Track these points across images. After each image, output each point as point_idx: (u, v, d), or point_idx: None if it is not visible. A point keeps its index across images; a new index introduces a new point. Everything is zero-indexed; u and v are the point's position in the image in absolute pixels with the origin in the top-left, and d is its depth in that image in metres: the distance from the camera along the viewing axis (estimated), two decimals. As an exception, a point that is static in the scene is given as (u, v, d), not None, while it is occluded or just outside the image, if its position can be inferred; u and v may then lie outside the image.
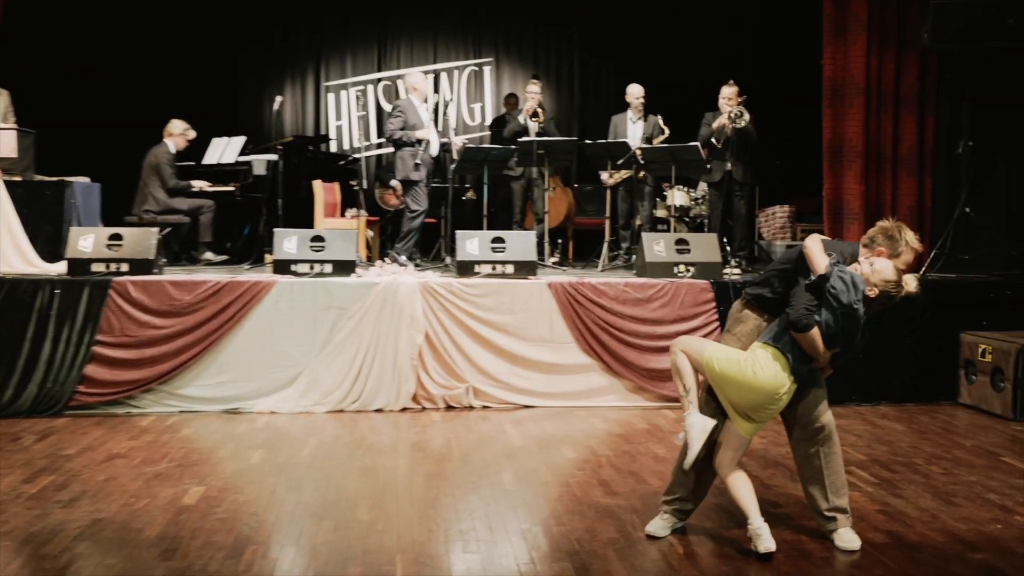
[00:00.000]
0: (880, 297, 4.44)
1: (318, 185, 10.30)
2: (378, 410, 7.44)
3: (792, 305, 4.44)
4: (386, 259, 9.23)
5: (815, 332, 4.40)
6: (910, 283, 4.45)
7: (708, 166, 9.41)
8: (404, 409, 7.47)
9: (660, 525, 4.74)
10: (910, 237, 4.56)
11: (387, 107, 13.23)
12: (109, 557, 4.32)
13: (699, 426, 4.51)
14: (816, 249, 4.47)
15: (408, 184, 9.34)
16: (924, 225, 9.62)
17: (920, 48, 9.25)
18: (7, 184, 8.14)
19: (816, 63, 9.60)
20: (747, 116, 9.25)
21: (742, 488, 4.52)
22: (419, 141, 9.29)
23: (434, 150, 9.51)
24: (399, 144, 9.35)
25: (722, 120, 9.40)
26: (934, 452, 6.41)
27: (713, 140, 9.49)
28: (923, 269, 8.68)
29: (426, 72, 12.28)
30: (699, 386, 4.63)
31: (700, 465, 4.60)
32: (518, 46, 13.56)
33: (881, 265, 4.45)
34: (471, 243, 8.05)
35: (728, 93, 9.54)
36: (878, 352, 7.80)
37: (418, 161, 9.23)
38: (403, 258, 9.15)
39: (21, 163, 8.45)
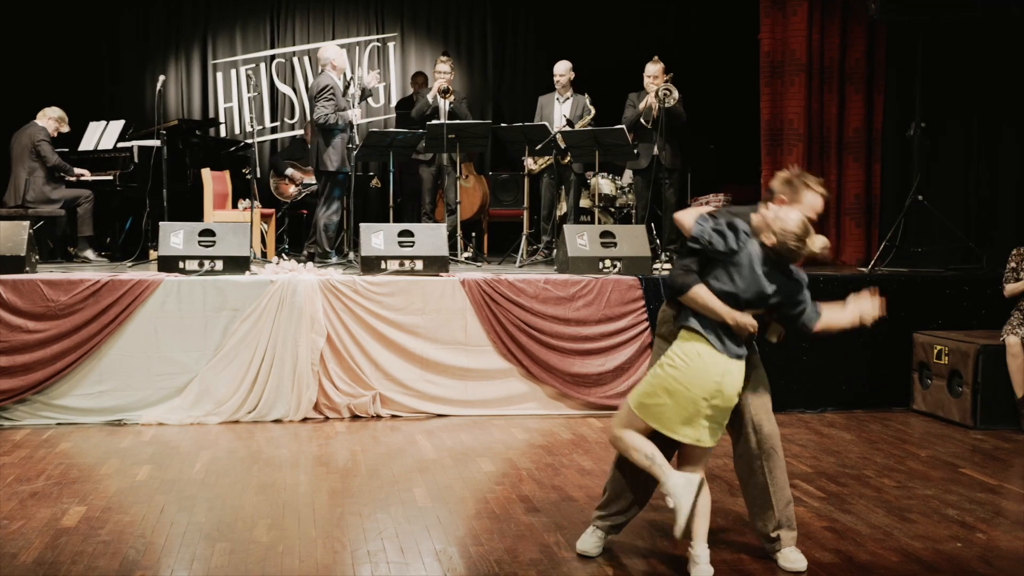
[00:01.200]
0: (781, 248, 4.36)
1: (207, 174, 10.22)
2: (277, 420, 7.45)
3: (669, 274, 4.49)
4: (313, 261, 9.15)
5: (697, 290, 4.36)
6: (815, 243, 4.41)
7: (635, 151, 9.46)
8: (305, 419, 7.49)
9: (592, 542, 4.75)
10: (812, 181, 4.66)
11: (282, 87, 13.18)
12: (-19, 586, 4.30)
13: (682, 485, 4.35)
14: (686, 215, 4.51)
15: (336, 176, 9.30)
16: (873, 215, 9.76)
17: (867, 20, 9.33)
18: None
19: (752, 37, 9.69)
20: (676, 95, 9.28)
21: (700, 507, 4.43)
22: (352, 124, 9.29)
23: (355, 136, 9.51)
24: (330, 130, 9.22)
25: (649, 100, 9.46)
26: (886, 463, 6.51)
27: (642, 120, 9.55)
28: (872, 263, 8.82)
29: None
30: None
31: (642, 473, 4.56)
32: (426, 20, 13.55)
33: (784, 213, 4.41)
34: (376, 237, 8.06)
35: (653, 71, 9.57)
36: (823, 354, 7.96)
37: (350, 147, 9.22)
38: (336, 257, 9.20)
39: None
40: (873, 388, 8.15)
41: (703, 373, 4.36)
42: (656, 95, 9.32)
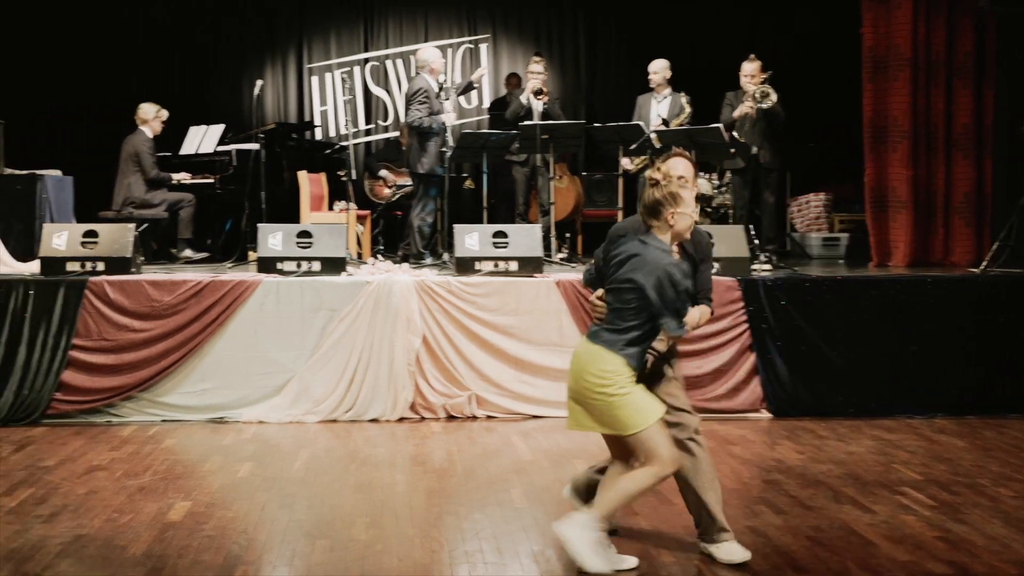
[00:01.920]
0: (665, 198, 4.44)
1: (303, 176, 10.40)
2: (373, 420, 7.55)
3: None
4: (408, 262, 9.26)
5: None
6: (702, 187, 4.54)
7: (731, 150, 9.38)
8: (401, 419, 7.58)
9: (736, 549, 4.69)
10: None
11: (376, 90, 13.34)
12: (93, 575, 4.45)
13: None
14: None
15: (430, 178, 9.42)
16: (984, 214, 9.49)
17: (976, 11, 9.12)
18: None
19: (854, 31, 9.54)
20: (773, 96, 9.21)
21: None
22: (445, 127, 9.39)
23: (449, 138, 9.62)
24: (423, 133, 9.36)
25: (744, 109, 9.37)
26: (1003, 472, 6.28)
27: (735, 132, 9.45)
28: (984, 264, 8.63)
29: (417, 51, 12.40)
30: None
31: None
32: (517, 21, 13.60)
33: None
34: (470, 238, 8.11)
35: (750, 69, 9.50)
36: (933, 358, 7.81)
37: (444, 150, 9.32)
38: (430, 258, 9.30)
39: (-10, 156, 8.59)
40: (986, 393, 7.88)
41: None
42: (753, 96, 9.25)
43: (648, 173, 4.59)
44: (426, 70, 9.58)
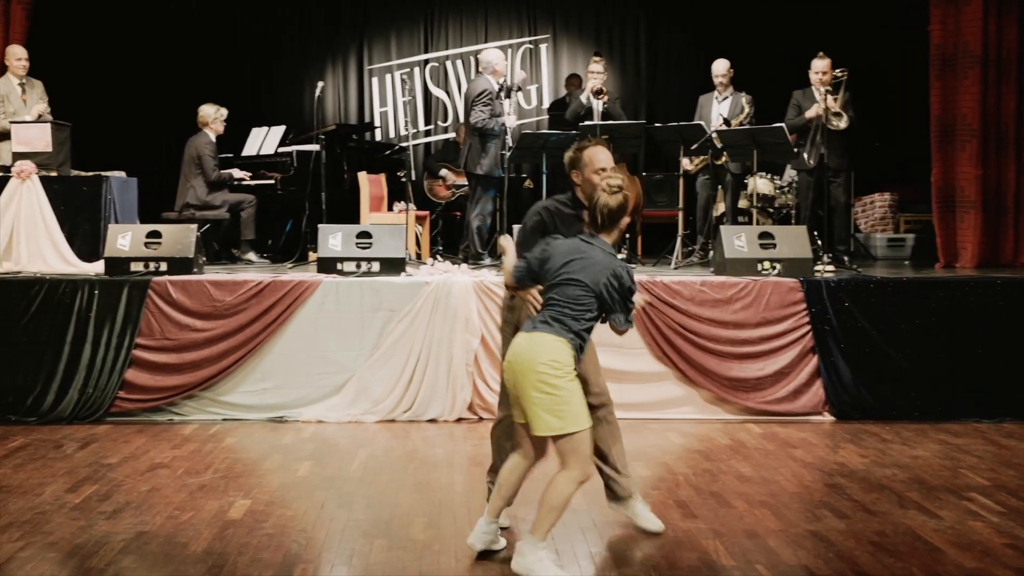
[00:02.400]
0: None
1: (363, 177, 10.48)
2: (432, 420, 7.60)
3: None
4: (467, 262, 9.32)
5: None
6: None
7: (795, 150, 9.31)
8: (460, 419, 7.62)
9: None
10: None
11: (436, 91, 13.41)
12: (155, 572, 4.51)
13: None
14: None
15: (488, 180, 9.47)
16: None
17: None
18: (43, 180, 8.50)
19: (921, 28, 9.43)
20: (846, 118, 9.06)
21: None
22: (507, 129, 9.44)
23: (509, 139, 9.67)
24: (485, 134, 9.43)
25: (817, 109, 9.22)
26: None
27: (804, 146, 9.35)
28: None
29: (477, 53, 12.47)
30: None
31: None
32: (578, 20, 13.59)
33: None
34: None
35: (820, 67, 9.34)
36: (1001, 360, 7.70)
37: (504, 153, 9.37)
38: (489, 258, 9.35)
39: (57, 158, 8.76)
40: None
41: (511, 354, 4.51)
42: (826, 116, 9.06)
43: (608, 182, 4.54)
44: (489, 71, 9.66)
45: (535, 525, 4.45)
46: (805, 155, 9.25)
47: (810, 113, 9.30)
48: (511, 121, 9.59)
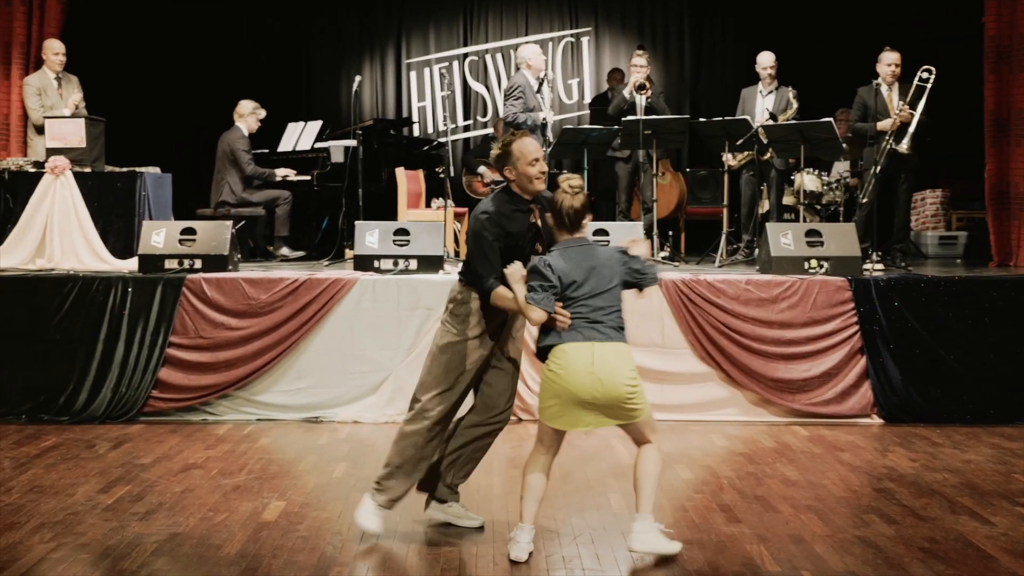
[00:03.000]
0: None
1: (401, 173, 10.47)
2: (469, 421, 7.57)
3: None
4: None
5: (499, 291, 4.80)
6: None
7: (844, 145, 9.20)
8: (498, 420, 7.58)
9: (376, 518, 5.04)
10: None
11: (475, 85, 13.39)
12: (188, 574, 4.52)
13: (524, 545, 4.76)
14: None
15: None
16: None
17: None
18: (76, 176, 8.56)
19: (975, 20, 9.31)
20: (905, 144, 8.94)
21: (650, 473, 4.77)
22: (540, 126, 9.43)
23: (549, 134, 9.65)
24: (527, 127, 9.42)
25: (892, 124, 9.05)
26: None
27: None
28: None
29: (516, 46, 12.43)
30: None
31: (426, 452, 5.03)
32: (620, 13, 13.53)
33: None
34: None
35: (891, 59, 9.17)
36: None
37: (544, 149, 9.35)
38: None
39: (91, 153, 8.82)
40: None
41: (574, 369, 4.62)
42: (894, 140, 8.96)
43: (569, 183, 4.69)
44: (524, 66, 9.71)
45: (643, 503, 4.70)
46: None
47: (884, 125, 9.08)
48: (547, 116, 9.57)
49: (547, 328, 4.66)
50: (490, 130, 12.93)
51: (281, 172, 10.29)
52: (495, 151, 4.96)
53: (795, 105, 9.92)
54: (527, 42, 11.78)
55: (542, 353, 4.71)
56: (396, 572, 4.61)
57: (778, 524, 5.26)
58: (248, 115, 10.19)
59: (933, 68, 8.96)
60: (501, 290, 4.78)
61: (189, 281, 7.63)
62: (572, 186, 4.67)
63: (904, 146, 8.94)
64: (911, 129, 8.94)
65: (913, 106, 8.96)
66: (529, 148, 4.87)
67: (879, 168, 9.05)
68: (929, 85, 8.95)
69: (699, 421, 7.61)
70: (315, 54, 13.30)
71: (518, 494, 5.66)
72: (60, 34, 9.78)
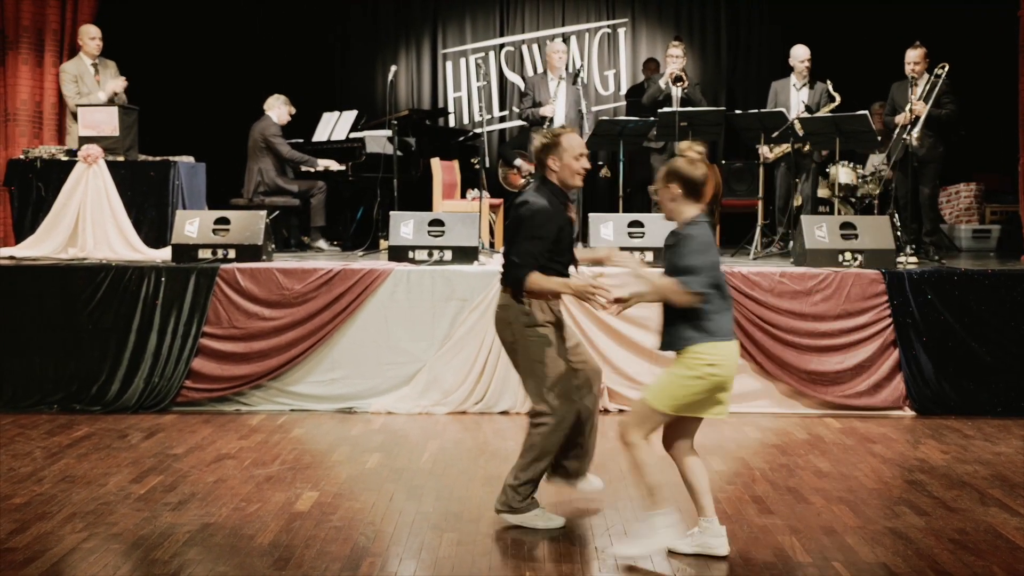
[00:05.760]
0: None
1: (436, 164, 10.48)
2: (503, 412, 7.58)
3: None
4: None
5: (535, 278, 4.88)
6: None
7: (879, 138, 9.15)
8: (531, 412, 7.59)
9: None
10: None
11: (511, 76, 13.38)
12: (220, 564, 4.54)
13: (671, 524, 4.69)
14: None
15: None
16: None
17: None
18: (109, 165, 8.59)
19: (1011, 11, 9.23)
20: (920, 134, 8.93)
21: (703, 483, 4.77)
22: (545, 119, 9.45)
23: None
24: (529, 122, 9.60)
25: (905, 118, 9.02)
26: None
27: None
28: None
29: (553, 37, 12.43)
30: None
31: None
32: (657, 4, 13.44)
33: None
34: (605, 227, 8.10)
35: (912, 57, 9.18)
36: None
37: None
38: None
39: (124, 143, 8.85)
40: None
41: (732, 362, 4.63)
42: (907, 131, 8.93)
43: (695, 149, 4.75)
44: (546, 63, 9.98)
45: (704, 507, 4.69)
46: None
47: (898, 119, 9.16)
48: (552, 110, 9.71)
49: (699, 324, 4.57)
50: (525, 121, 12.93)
51: (323, 163, 10.27)
52: (541, 140, 4.97)
53: (837, 98, 9.85)
54: (561, 34, 11.78)
55: (678, 344, 4.61)
56: (429, 561, 4.60)
57: (810, 515, 5.25)
58: (278, 106, 10.20)
59: (947, 64, 8.97)
60: (537, 276, 4.82)
61: (223, 271, 7.66)
62: (700, 151, 4.68)
63: (913, 138, 8.90)
64: (920, 122, 8.92)
65: (927, 101, 8.94)
66: (577, 142, 4.93)
67: (894, 161, 9.11)
68: (941, 81, 8.97)
69: (732, 413, 7.40)
70: (351, 43, 13.28)
71: (550, 485, 5.69)
72: (93, 22, 9.79)
